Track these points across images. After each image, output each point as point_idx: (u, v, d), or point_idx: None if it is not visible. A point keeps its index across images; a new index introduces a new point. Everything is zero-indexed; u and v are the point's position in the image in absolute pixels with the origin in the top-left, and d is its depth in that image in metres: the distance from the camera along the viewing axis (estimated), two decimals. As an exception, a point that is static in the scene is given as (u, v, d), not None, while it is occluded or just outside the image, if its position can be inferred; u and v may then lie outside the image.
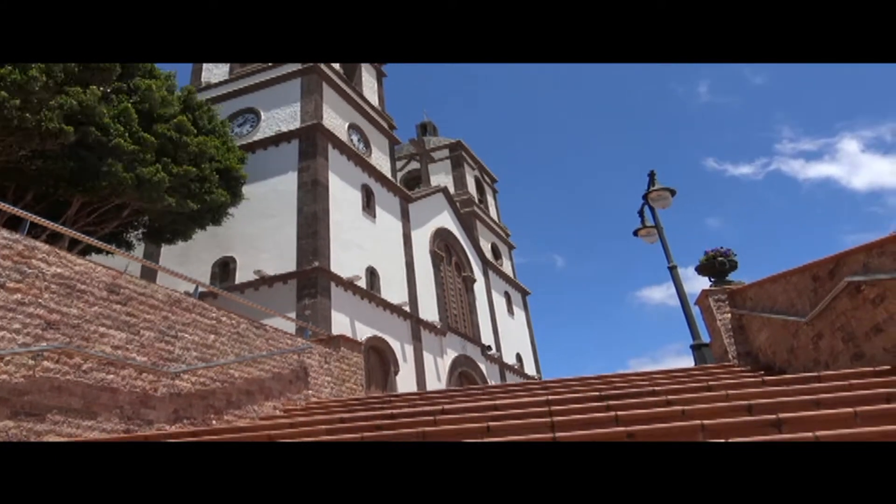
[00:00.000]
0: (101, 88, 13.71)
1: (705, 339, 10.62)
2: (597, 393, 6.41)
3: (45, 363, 6.47)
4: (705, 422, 4.46)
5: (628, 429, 4.51)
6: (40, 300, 6.68)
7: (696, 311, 10.87)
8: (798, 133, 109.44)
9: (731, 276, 10.49)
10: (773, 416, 4.39)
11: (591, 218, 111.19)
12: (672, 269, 11.68)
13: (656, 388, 6.34)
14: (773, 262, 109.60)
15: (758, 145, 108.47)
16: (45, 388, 6.41)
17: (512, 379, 30.29)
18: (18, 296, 6.47)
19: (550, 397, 6.39)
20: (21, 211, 7.63)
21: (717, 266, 10.41)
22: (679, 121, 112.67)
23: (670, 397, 5.67)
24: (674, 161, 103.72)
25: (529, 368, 33.67)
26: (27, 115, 11.76)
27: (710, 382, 6.58)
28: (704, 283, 10.62)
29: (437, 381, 23.48)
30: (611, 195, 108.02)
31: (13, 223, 10.63)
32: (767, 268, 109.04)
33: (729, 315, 9.58)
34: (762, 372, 7.73)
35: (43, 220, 7.92)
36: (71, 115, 12.70)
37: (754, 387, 6.12)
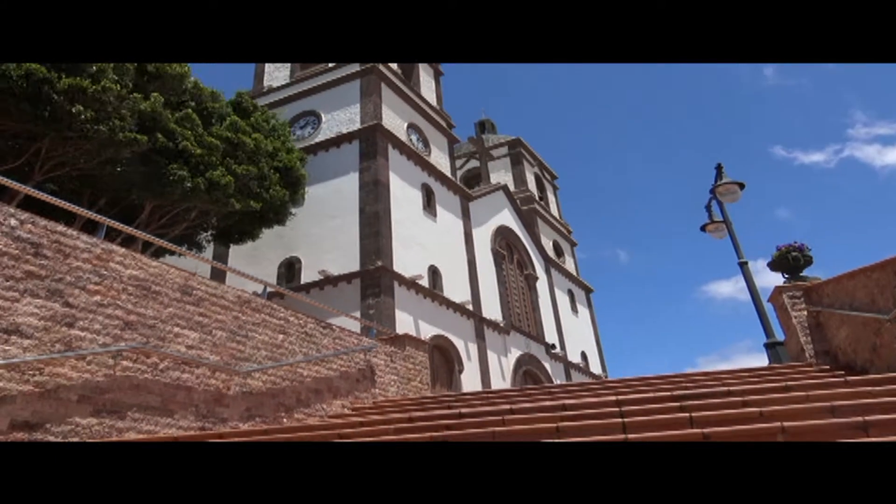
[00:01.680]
0: (173, 98, 14.16)
1: (779, 336, 10.27)
2: (669, 393, 6.26)
3: (124, 362, 6.70)
4: (785, 423, 4.29)
5: (704, 430, 4.38)
6: (118, 301, 6.92)
7: (768, 307, 10.51)
8: (872, 116, 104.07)
9: (804, 272, 10.12)
10: (860, 419, 4.19)
11: (654, 211, 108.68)
12: (743, 266, 11.33)
13: (732, 388, 6.14)
14: (849, 256, 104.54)
15: (829, 131, 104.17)
16: (124, 386, 6.64)
17: (577, 377, 29.97)
18: (98, 297, 6.72)
19: (620, 397, 6.26)
20: (98, 216, 7.92)
21: (790, 261, 10.04)
22: (745, 106, 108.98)
23: (747, 398, 5.49)
24: (739, 149, 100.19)
25: (595, 367, 33.26)
26: (100, 126, 12.18)
27: (789, 382, 6.35)
28: (774, 276, 10.25)
29: (501, 379, 23.40)
30: (674, 187, 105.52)
31: (89, 227, 11.04)
32: (842, 261, 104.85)
33: (805, 312, 9.22)
34: (843, 371, 7.42)
35: (119, 223, 8.22)
36: (141, 123, 13.14)
37: (836, 387, 5.88)
